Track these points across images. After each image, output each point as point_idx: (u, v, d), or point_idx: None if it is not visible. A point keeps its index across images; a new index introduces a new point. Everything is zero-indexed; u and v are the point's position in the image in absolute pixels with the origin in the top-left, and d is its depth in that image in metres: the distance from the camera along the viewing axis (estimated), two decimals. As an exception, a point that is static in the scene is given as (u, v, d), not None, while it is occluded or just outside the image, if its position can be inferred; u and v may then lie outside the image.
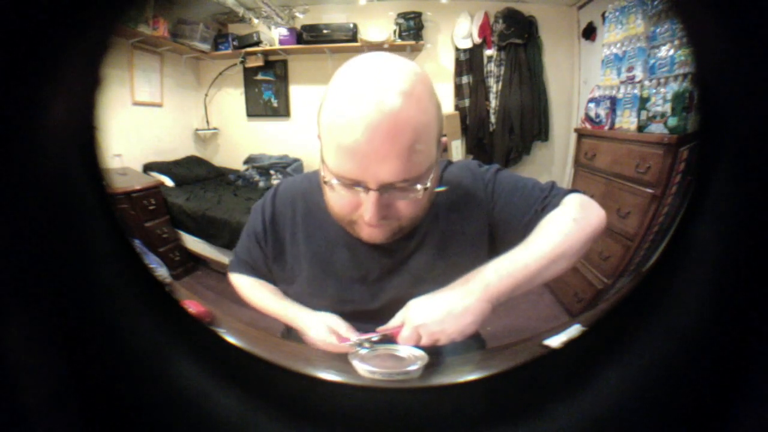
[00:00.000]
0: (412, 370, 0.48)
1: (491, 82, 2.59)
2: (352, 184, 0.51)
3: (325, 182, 0.54)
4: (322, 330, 0.59)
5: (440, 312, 0.50)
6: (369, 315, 0.62)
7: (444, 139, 0.57)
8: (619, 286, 1.53)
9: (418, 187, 0.51)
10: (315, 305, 0.65)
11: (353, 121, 0.47)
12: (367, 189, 0.50)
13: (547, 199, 0.59)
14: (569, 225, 0.55)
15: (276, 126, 2.98)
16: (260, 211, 0.69)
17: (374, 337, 0.54)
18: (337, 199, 0.54)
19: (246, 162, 2.86)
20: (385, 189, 0.50)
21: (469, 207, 0.63)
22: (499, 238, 0.62)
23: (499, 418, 0.28)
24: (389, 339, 0.53)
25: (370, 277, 0.64)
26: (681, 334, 0.24)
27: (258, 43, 2.77)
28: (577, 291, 1.65)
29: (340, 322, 0.60)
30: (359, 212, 0.54)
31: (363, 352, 0.52)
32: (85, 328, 0.24)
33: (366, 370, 0.47)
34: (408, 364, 0.49)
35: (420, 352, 0.51)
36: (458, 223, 0.63)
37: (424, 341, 0.51)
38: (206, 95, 2.95)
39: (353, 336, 0.56)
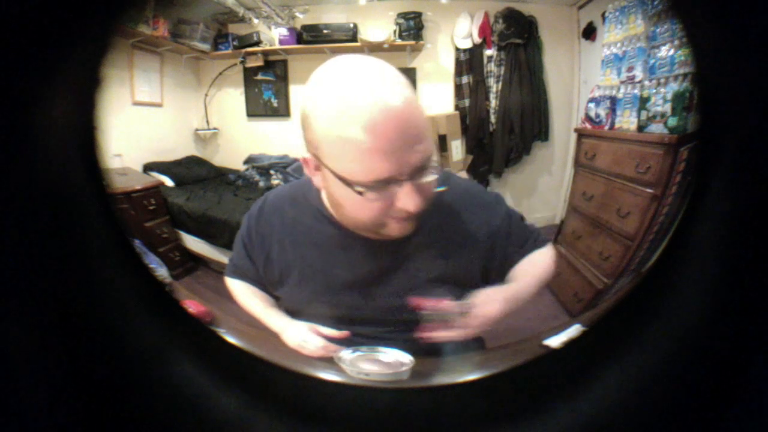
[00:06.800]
0: (398, 372, 0.48)
1: (491, 82, 2.59)
2: (387, 182, 0.51)
3: (357, 191, 0.52)
4: (295, 333, 0.62)
5: (492, 296, 0.58)
6: (363, 318, 0.62)
7: None
8: (619, 286, 1.53)
9: (434, 160, 0.54)
10: (307, 309, 0.66)
11: (379, 125, 0.48)
12: (400, 182, 0.51)
13: (528, 242, 0.70)
14: (546, 273, 0.68)
15: (276, 126, 2.98)
16: (247, 220, 0.71)
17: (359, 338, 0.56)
18: (368, 207, 0.53)
19: (246, 162, 2.86)
20: (417, 174, 0.52)
21: (474, 222, 0.66)
22: (490, 260, 0.68)
23: (499, 418, 0.28)
24: (372, 343, 0.55)
25: (366, 279, 0.63)
26: (681, 334, 0.24)
27: (258, 43, 2.76)
28: (577, 291, 1.64)
29: (315, 329, 0.62)
30: (393, 210, 0.53)
31: (350, 355, 0.52)
32: (85, 328, 0.24)
33: (353, 372, 0.48)
34: (394, 367, 0.49)
35: (407, 356, 0.52)
36: (461, 231, 0.65)
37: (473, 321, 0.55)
38: (206, 95, 2.95)
39: (324, 341, 0.59)
